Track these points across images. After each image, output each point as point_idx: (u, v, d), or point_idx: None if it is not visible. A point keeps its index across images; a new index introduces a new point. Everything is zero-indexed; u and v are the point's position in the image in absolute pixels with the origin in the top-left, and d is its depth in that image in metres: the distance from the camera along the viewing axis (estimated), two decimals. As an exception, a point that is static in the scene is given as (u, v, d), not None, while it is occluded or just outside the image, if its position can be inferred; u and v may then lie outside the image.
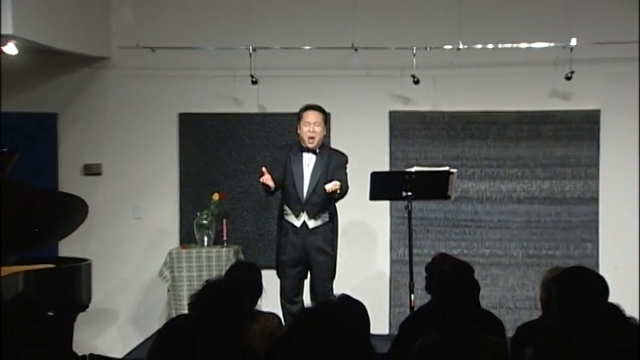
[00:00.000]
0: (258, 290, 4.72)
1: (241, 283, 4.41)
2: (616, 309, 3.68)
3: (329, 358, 2.84)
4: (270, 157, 6.84)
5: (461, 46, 7.30)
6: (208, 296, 3.92)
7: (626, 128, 7.54)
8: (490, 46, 7.36)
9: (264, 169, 6.33)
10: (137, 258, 7.81)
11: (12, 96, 7.60)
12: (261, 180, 6.33)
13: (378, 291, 7.53)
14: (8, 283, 5.71)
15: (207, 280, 4.38)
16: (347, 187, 6.40)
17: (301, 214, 6.47)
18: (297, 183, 6.45)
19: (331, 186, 6.20)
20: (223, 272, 5.41)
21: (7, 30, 6.00)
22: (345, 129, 7.47)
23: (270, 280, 6.31)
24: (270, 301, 6.17)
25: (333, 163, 6.48)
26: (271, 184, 6.30)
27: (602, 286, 3.83)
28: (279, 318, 4.89)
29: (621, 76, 7.46)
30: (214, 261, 7.17)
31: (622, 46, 7.26)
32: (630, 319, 3.70)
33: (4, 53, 6.45)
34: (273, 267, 6.57)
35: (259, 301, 4.75)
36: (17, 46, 6.42)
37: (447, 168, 6.55)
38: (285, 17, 7.60)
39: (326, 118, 6.61)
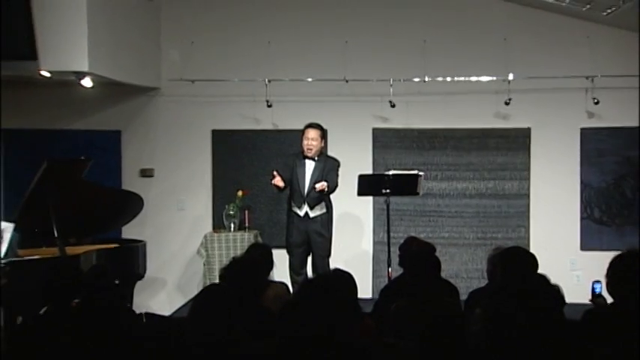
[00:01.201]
0: (270, 265, 4.67)
1: (257, 259, 4.42)
2: (543, 278, 3.73)
3: (327, 317, 2.83)
4: (282, 162, 6.78)
5: (426, 79, 7.31)
6: (234, 269, 3.94)
7: (550, 141, 7.54)
8: (448, 79, 7.37)
9: (275, 172, 6.37)
10: (180, 239, 7.78)
11: (87, 117, 7.70)
12: (272, 182, 6.36)
13: (363, 265, 7.51)
14: (86, 258, 5.75)
15: (233, 257, 4.42)
16: (336, 185, 6.43)
17: (304, 206, 6.48)
18: (300, 182, 6.47)
19: (319, 186, 6.27)
20: (245, 251, 5.39)
21: (84, 68, 6.03)
22: (339, 141, 7.42)
23: (281, 257, 6.41)
24: (281, 273, 6.28)
25: (328, 166, 6.49)
26: (281, 184, 6.34)
27: (533, 261, 3.91)
28: (287, 286, 4.89)
29: (546, 102, 7.47)
30: (239, 242, 7.14)
31: (547, 80, 7.31)
32: (554, 286, 3.75)
33: (82, 86, 6.47)
34: (283, 247, 6.61)
35: (271, 273, 4.70)
36: (92, 80, 6.43)
37: (416, 171, 6.56)
38: (293, 57, 7.56)
39: (323, 133, 6.60)
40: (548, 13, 7.38)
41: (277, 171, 6.43)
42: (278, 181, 6.33)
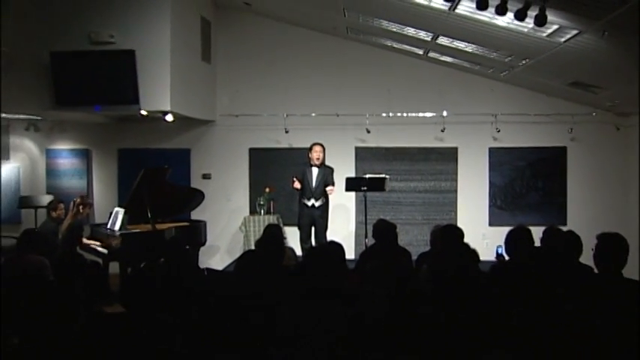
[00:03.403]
0: (281, 237, 4.54)
1: (274, 235, 4.35)
2: (466, 245, 3.74)
3: (326, 273, 2.82)
4: (297, 170, 6.70)
5: (390, 114, 7.37)
6: (263, 240, 3.94)
7: (470, 156, 7.57)
8: (405, 114, 7.42)
9: (295, 178, 6.40)
10: (228, 220, 7.77)
11: (168, 140, 7.70)
12: (293, 186, 6.40)
13: (349, 237, 7.51)
14: (168, 232, 5.84)
15: (262, 235, 4.46)
16: (334, 184, 6.49)
17: (311, 198, 6.53)
18: (310, 183, 6.51)
19: (329, 189, 6.36)
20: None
21: (167, 108, 6.10)
22: (333, 155, 7.28)
23: (293, 232, 6.51)
24: (294, 243, 6.36)
25: (327, 172, 6.57)
26: (298, 186, 6.40)
27: (461, 234, 3.91)
28: (294, 250, 4.63)
29: (467, 130, 7.48)
30: (267, 222, 6.93)
31: (467, 115, 7.35)
32: (473, 250, 3.71)
33: (165, 120, 6.51)
34: (295, 225, 6.70)
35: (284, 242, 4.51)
36: (172, 115, 6.47)
37: (383, 175, 6.58)
38: (302, 99, 7.56)
39: (323, 149, 6.65)
40: (468, 73, 7.43)
41: (296, 176, 6.45)
42: (297, 184, 6.39)
